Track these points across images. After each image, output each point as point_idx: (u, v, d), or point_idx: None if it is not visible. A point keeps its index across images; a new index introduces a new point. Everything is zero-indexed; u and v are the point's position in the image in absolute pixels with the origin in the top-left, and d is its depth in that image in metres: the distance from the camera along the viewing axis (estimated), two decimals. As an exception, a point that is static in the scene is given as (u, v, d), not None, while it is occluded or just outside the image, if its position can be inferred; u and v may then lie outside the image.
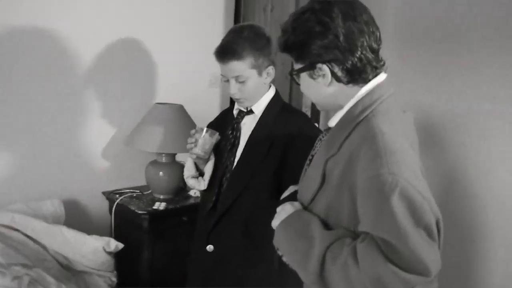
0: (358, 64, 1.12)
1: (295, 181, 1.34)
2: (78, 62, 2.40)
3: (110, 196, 2.50)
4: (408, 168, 1.04)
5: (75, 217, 2.40)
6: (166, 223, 2.40)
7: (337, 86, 1.15)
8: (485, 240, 1.93)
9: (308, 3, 1.16)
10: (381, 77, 1.17)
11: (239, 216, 1.63)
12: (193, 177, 1.72)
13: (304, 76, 1.19)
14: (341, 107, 1.19)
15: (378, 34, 1.16)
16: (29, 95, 2.27)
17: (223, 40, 1.62)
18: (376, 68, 1.16)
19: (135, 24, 2.55)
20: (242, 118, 1.70)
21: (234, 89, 1.59)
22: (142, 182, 2.58)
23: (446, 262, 1.16)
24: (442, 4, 2.05)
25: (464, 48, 1.98)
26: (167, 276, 2.38)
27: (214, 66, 2.85)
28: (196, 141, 1.63)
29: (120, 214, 2.43)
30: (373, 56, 1.14)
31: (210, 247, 1.68)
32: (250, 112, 1.68)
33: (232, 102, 3.02)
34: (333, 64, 1.12)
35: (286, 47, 1.18)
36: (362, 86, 1.15)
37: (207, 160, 1.70)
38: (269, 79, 1.65)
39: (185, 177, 1.77)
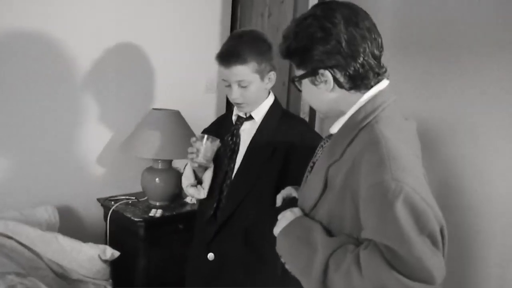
0: (361, 70, 1.11)
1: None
2: (73, 68, 2.38)
3: (105, 203, 2.47)
4: (412, 175, 1.03)
5: (70, 224, 2.37)
6: (162, 230, 2.37)
7: (339, 92, 1.15)
8: (481, 246, 1.93)
9: (310, 9, 1.16)
10: (383, 83, 1.17)
11: (240, 224, 1.61)
12: (193, 185, 1.69)
13: (305, 82, 1.18)
14: (342, 113, 1.18)
15: (380, 40, 1.15)
16: (23, 101, 2.24)
17: (225, 44, 1.61)
18: (378, 74, 1.15)
19: (131, 29, 2.53)
20: (241, 124, 1.69)
21: (236, 94, 1.58)
22: (138, 188, 2.55)
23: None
24: (437, 11, 2.07)
25: (458, 54, 2.00)
26: (164, 284, 2.35)
27: (210, 71, 2.93)
28: (198, 150, 1.60)
29: (116, 221, 2.40)
30: (375, 62, 1.14)
31: (211, 255, 1.66)
32: (250, 118, 1.67)
33: (228, 108, 3.05)
34: (335, 70, 1.11)
35: (288, 53, 1.17)
36: (364, 93, 1.15)
37: (206, 168, 1.68)
38: (270, 85, 1.65)
39: (184, 186, 1.72)
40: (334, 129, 1.22)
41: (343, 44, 1.08)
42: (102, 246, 2.06)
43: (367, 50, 1.11)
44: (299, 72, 1.18)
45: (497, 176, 1.89)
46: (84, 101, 2.44)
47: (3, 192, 2.22)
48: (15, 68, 2.20)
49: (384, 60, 1.21)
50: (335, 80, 1.12)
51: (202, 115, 2.69)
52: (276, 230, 1.22)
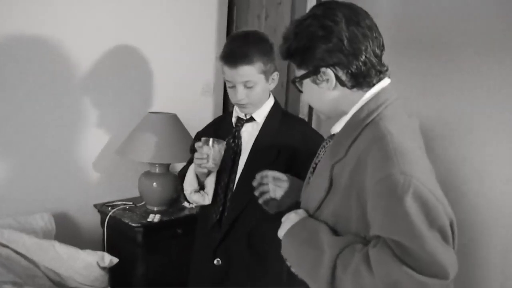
0: (363, 68, 1.11)
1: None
2: (69, 71, 2.34)
3: (102, 208, 2.43)
4: (420, 169, 1.02)
5: (66, 231, 2.33)
6: (160, 235, 2.34)
7: (341, 91, 1.14)
8: (481, 245, 1.93)
9: (309, 10, 1.15)
10: (385, 81, 1.16)
11: (245, 227, 1.59)
12: (196, 191, 1.64)
13: (307, 82, 1.17)
14: (344, 113, 1.17)
15: (381, 39, 1.15)
16: (17, 106, 2.21)
17: (230, 45, 1.58)
18: (380, 72, 1.14)
19: (127, 32, 2.51)
20: (242, 125, 1.67)
21: (241, 95, 1.57)
22: (135, 193, 2.52)
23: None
24: (434, 10, 2.07)
25: (456, 54, 2.00)
26: (163, 290, 2.31)
27: (207, 73, 2.91)
28: (207, 155, 1.54)
29: (113, 227, 2.36)
30: (377, 60, 1.13)
31: (217, 261, 1.64)
32: (251, 119, 1.66)
33: (225, 110, 3.03)
34: (337, 68, 1.11)
35: (288, 54, 1.16)
36: (366, 91, 1.14)
37: (209, 172, 1.64)
38: (273, 85, 1.65)
39: (187, 192, 1.66)
40: (336, 128, 1.21)
41: (345, 42, 1.08)
42: (100, 253, 2.03)
43: (369, 48, 1.11)
44: (300, 73, 1.17)
45: (495, 175, 1.90)
46: (80, 105, 2.40)
47: (-2, 199, 2.18)
48: (11, 72, 2.17)
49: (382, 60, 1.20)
50: (337, 78, 1.12)
51: (199, 118, 2.65)
52: (281, 233, 1.20)
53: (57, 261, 1.97)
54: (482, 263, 1.93)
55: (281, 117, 1.66)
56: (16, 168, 2.24)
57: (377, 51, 1.12)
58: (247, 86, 1.56)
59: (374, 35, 1.12)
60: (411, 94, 2.12)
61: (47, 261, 1.97)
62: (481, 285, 1.94)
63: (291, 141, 1.59)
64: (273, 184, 1.41)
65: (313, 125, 2.50)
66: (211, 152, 1.53)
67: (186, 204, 2.51)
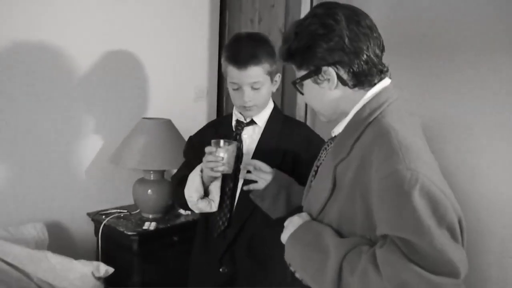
0: (364, 67, 1.10)
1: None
2: (60, 78, 2.30)
3: (96, 217, 2.38)
4: (426, 165, 1.01)
5: (59, 241, 2.28)
6: (156, 243, 2.30)
7: (342, 91, 1.13)
8: (479, 245, 1.93)
9: (309, 11, 1.15)
10: (386, 81, 1.16)
11: (250, 233, 1.56)
12: (202, 198, 1.57)
13: (308, 83, 1.16)
14: (345, 114, 1.16)
15: (381, 40, 1.14)
16: (7, 115, 2.16)
17: (237, 46, 1.56)
18: (381, 71, 1.14)
19: (120, 38, 2.48)
20: (242, 129, 1.64)
21: (248, 96, 1.54)
22: (129, 201, 2.48)
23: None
24: (428, 11, 2.07)
25: (451, 54, 2.01)
26: (160, 299, 2.27)
27: (200, 78, 2.88)
28: (222, 158, 1.47)
29: (107, 236, 2.31)
30: (377, 60, 1.13)
31: (223, 268, 1.60)
32: (251, 123, 1.63)
33: (219, 114, 3.00)
34: (338, 66, 1.10)
35: (288, 54, 1.16)
36: (367, 90, 1.13)
37: (214, 178, 1.58)
38: (275, 88, 1.63)
39: (192, 199, 1.56)
40: (338, 129, 1.20)
41: (346, 40, 1.07)
42: (95, 263, 1.98)
43: (370, 48, 1.10)
44: (300, 74, 1.16)
45: (492, 175, 1.90)
46: (72, 112, 2.36)
47: (-12, 209, 2.13)
48: (0, 80, 2.12)
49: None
50: (338, 77, 1.11)
51: (193, 123, 2.60)
52: (284, 237, 1.18)
53: (51, 272, 1.91)
54: (480, 260, 1.93)
55: (282, 120, 1.65)
56: (6, 176, 2.19)
57: (377, 51, 1.12)
58: (254, 87, 1.54)
59: (375, 35, 1.12)
60: (404, 94, 2.12)
61: (40, 273, 1.91)
62: (479, 282, 1.93)
63: (293, 145, 1.58)
64: (255, 175, 1.46)
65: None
66: (225, 154, 1.48)
67: (182, 211, 2.48)
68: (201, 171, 1.54)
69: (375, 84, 1.13)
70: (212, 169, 1.49)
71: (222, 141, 1.49)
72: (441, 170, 2.04)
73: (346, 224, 1.09)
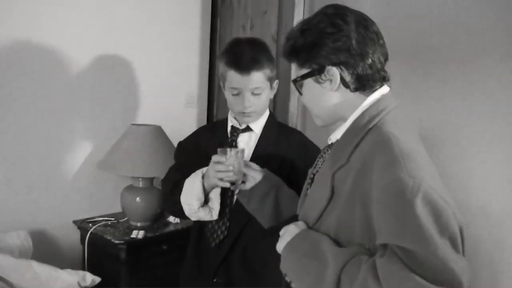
0: (368, 71, 1.09)
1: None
2: (46, 83, 2.25)
3: (82, 225, 2.33)
4: (428, 172, 0.99)
5: (44, 250, 2.22)
6: (144, 252, 2.25)
7: (342, 93, 1.11)
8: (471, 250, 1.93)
9: (318, 10, 1.14)
10: (385, 89, 1.15)
11: (245, 243, 1.52)
12: (202, 206, 1.51)
13: (309, 82, 1.14)
14: (343, 118, 1.15)
15: (386, 48, 1.14)
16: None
17: (238, 50, 1.52)
18: (383, 78, 1.13)
19: (109, 43, 2.44)
20: (238, 135, 1.61)
21: (249, 102, 1.52)
22: (117, 209, 2.43)
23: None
24: (418, 17, 2.09)
25: (440, 61, 2.04)
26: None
27: (190, 85, 2.85)
28: (233, 167, 1.40)
29: (94, 245, 2.26)
30: (381, 66, 1.12)
31: (217, 279, 1.56)
32: (247, 129, 1.60)
33: (209, 121, 2.97)
34: (342, 67, 1.09)
35: (292, 51, 1.14)
36: (367, 96, 1.12)
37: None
38: (273, 94, 1.62)
39: (193, 207, 1.49)
40: (336, 136, 1.17)
41: (353, 42, 1.07)
42: (81, 273, 1.93)
43: (375, 53, 1.10)
44: (302, 72, 1.14)
45: (481, 180, 1.93)
46: (59, 116, 2.30)
47: (-30, 217, 2.06)
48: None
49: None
50: (341, 78, 1.09)
51: (183, 129, 2.57)
52: (280, 246, 1.15)
53: (35, 282, 1.85)
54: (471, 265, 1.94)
55: (277, 128, 1.63)
56: (-10, 183, 2.13)
57: (381, 58, 1.12)
58: (254, 93, 1.52)
59: (381, 42, 1.12)
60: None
61: (24, 282, 1.85)
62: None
63: (290, 152, 1.55)
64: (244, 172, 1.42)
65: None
66: (236, 162, 1.41)
67: (171, 219, 2.44)
68: (202, 177, 1.49)
69: (375, 90, 1.12)
70: (221, 179, 1.42)
71: (228, 149, 1.43)
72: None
73: (344, 233, 1.06)
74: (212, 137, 1.66)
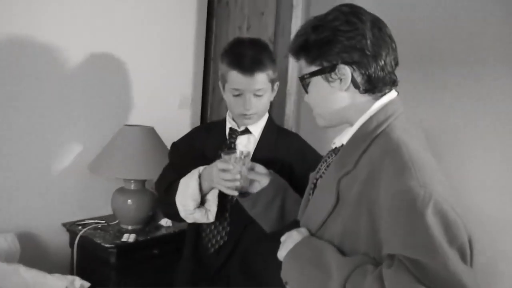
0: (379, 73, 1.06)
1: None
2: (36, 82, 2.18)
3: (71, 228, 2.27)
4: (438, 181, 0.96)
5: (32, 254, 2.16)
6: (135, 257, 2.20)
7: (351, 94, 1.09)
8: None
9: (332, 8, 1.10)
10: (393, 93, 1.12)
11: (244, 248, 1.48)
12: (198, 207, 1.46)
13: (317, 80, 1.10)
14: (348, 122, 1.12)
15: (397, 54, 1.11)
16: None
17: (241, 51, 1.48)
18: (393, 82, 1.11)
19: (102, 42, 2.39)
20: (236, 138, 1.57)
21: (250, 104, 1.49)
22: (108, 211, 2.38)
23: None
24: (412, 24, 2.09)
25: (433, 70, 2.05)
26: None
27: (184, 86, 2.81)
28: (241, 173, 1.33)
29: (84, 249, 2.20)
30: (391, 69, 1.10)
31: (216, 283, 1.52)
32: (245, 131, 1.56)
33: (203, 123, 2.92)
34: (355, 67, 1.05)
35: (303, 47, 1.10)
36: (375, 100, 1.09)
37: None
38: (273, 96, 1.58)
39: (188, 208, 1.44)
40: (341, 140, 1.14)
41: (368, 42, 1.04)
42: (70, 277, 1.87)
43: (388, 56, 1.07)
44: (311, 69, 1.11)
45: (477, 186, 1.93)
46: (48, 116, 2.24)
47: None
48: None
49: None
50: (352, 78, 1.06)
51: (176, 131, 2.50)
52: (282, 254, 1.11)
53: (23, 287, 1.79)
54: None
55: (276, 131, 1.60)
56: (-24, 184, 2.06)
57: (393, 62, 1.10)
58: (257, 95, 1.49)
59: (393, 45, 1.09)
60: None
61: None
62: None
63: (289, 156, 1.52)
64: (251, 176, 1.37)
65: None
66: (243, 168, 1.35)
67: (163, 222, 2.39)
68: (199, 177, 1.44)
69: (385, 94, 1.09)
70: (229, 187, 1.36)
71: (238, 152, 1.36)
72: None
73: (349, 241, 1.03)
74: (208, 137, 1.62)
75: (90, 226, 2.27)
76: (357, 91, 1.08)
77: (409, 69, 2.07)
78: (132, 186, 2.29)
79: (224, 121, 1.62)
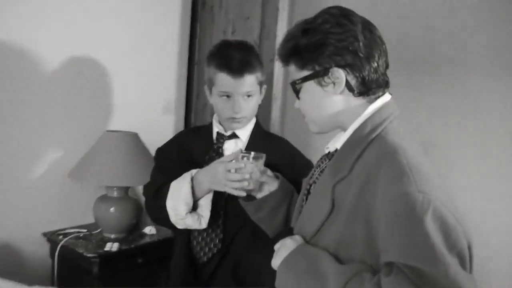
0: (373, 75, 1.05)
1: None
2: (15, 86, 2.12)
3: (52, 237, 2.20)
4: (437, 187, 0.95)
5: (10, 265, 2.11)
6: (119, 266, 2.14)
7: (345, 98, 1.07)
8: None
9: (321, 11, 1.08)
10: (387, 96, 1.10)
11: (235, 256, 1.44)
12: (190, 212, 1.40)
13: (310, 84, 1.08)
14: (342, 126, 1.10)
15: (387, 56, 1.10)
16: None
17: (230, 53, 1.46)
18: (386, 84, 1.09)
19: (83, 46, 2.33)
20: (223, 142, 1.54)
21: (240, 107, 1.46)
22: (90, 220, 2.32)
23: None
24: (398, 31, 2.09)
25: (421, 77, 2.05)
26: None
27: (167, 91, 2.76)
28: (251, 176, 1.28)
29: (65, 259, 2.14)
30: (384, 71, 1.09)
31: None
32: (233, 136, 1.53)
33: (187, 127, 2.88)
34: (348, 70, 1.03)
35: (294, 52, 1.08)
36: (369, 103, 1.07)
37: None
38: (261, 99, 1.56)
39: (180, 213, 1.38)
40: (335, 145, 1.12)
41: (360, 44, 1.02)
42: (51, 289, 1.80)
43: (380, 58, 1.06)
44: (302, 74, 1.08)
45: (466, 196, 1.91)
46: (26, 122, 2.17)
47: None
48: None
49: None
50: (346, 81, 1.04)
51: (160, 137, 2.45)
52: (276, 262, 1.08)
53: (0, 300, 1.72)
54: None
55: (264, 136, 1.58)
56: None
57: (384, 64, 1.08)
58: (247, 97, 1.47)
59: (384, 47, 1.08)
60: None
61: (-13, 301, 1.71)
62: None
63: (278, 161, 1.48)
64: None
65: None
66: (256, 170, 1.28)
67: (146, 230, 2.34)
68: (192, 180, 1.39)
69: (379, 97, 1.07)
70: (236, 188, 1.30)
71: (252, 154, 1.29)
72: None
73: (345, 249, 1.00)
74: (195, 141, 1.58)
75: (72, 236, 2.20)
76: (351, 94, 1.06)
77: (395, 72, 2.10)
78: (115, 194, 2.23)
79: (211, 125, 1.58)
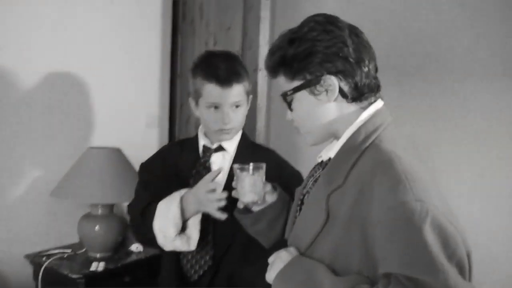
0: (365, 80, 1.03)
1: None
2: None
3: (35, 259, 2.13)
4: (434, 195, 0.93)
5: (-9, 289, 2.02)
6: (105, 286, 2.08)
7: (338, 105, 1.05)
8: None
9: (306, 19, 1.07)
10: (379, 103, 1.09)
11: (230, 272, 1.41)
12: (179, 234, 1.36)
13: (301, 94, 1.06)
14: (336, 134, 1.08)
15: (375, 59, 1.09)
16: None
17: (217, 63, 1.43)
18: (378, 88, 1.08)
19: (62, 61, 2.29)
20: (210, 155, 1.50)
21: (229, 117, 1.43)
22: (74, 239, 2.27)
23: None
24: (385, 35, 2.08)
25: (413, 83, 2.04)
26: None
27: (150, 105, 2.73)
28: (256, 185, 1.22)
29: (49, 281, 2.07)
30: (374, 74, 1.07)
31: None
32: (219, 149, 1.50)
33: (171, 141, 2.84)
34: (340, 76, 1.02)
35: (282, 63, 1.05)
36: (363, 109, 1.05)
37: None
38: (247, 109, 1.53)
39: (169, 235, 1.34)
40: (328, 154, 1.10)
41: (350, 49, 1.01)
42: (35, 313, 1.73)
43: (370, 61, 1.05)
44: (293, 84, 1.06)
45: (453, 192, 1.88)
46: (6, 140, 2.12)
47: None
48: None
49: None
50: (339, 88, 1.03)
51: (144, 152, 2.41)
52: (270, 276, 1.04)
53: (-19, 328, 1.65)
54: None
55: (252, 147, 1.56)
56: None
57: (374, 68, 1.07)
58: (235, 107, 1.44)
59: (372, 51, 1.07)
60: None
61: (-33, 329, 1.64)
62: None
63: (266, 172, 1.43)
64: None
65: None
66: (259, 182, 1.23)
67: (133, 247, 2.29)
68: (181, 201, 1.35)
69: (371, 103, 1.06)
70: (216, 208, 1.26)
71: (251, 166, 1.24)
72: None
73: (341, 259, 0.98)
74: (181, 155, 1.55)
75: (56, 257, 2.14)
76: (344, 100, 1.04)
77: (383, 75, 2.10)
78: (100, 211, 2.18)
79: (196, 138, 1.55)
